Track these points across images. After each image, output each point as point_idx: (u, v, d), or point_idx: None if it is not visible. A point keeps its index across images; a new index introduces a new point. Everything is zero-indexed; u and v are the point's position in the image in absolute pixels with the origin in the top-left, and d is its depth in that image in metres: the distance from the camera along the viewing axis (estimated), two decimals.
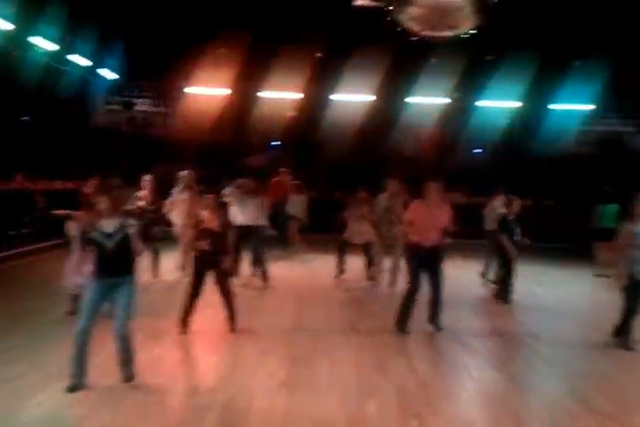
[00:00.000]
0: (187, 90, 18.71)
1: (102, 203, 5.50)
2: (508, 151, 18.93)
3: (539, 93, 18.82)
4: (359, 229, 10.64)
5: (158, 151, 17.43)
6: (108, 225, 5.43)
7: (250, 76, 17.99)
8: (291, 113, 18.89)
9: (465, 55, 17.42)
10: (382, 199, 10.32)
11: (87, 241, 5.61)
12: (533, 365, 6.83)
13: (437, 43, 16.36)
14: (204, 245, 7.16)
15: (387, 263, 10.53)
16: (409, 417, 5.08)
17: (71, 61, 17.04)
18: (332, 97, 18.74)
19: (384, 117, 18.55)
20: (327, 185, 17.52)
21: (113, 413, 4.98)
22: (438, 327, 7.72)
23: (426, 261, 7.53)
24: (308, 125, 18.28)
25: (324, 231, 12.73)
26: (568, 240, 15.17)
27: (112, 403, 5.16)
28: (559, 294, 10.87)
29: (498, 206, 10.67)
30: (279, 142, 19.30)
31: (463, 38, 15.61)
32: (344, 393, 5.59)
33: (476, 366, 6.61)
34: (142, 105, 19.78)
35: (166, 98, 19.37)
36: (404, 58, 17.25)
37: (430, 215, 7.51)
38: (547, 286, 11.43)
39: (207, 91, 18.78)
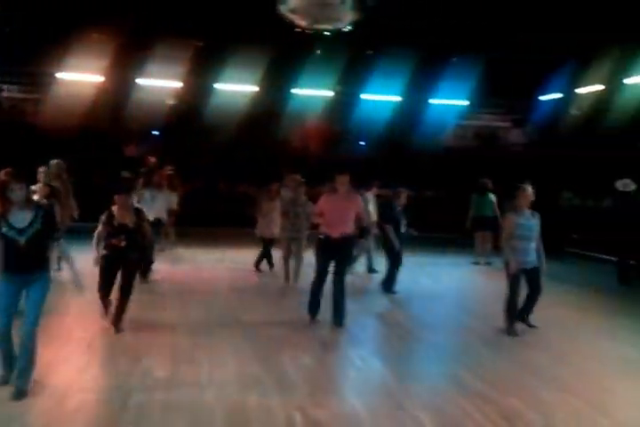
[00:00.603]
0: (59, 75, 17.73)
1: (17, 191, 5.00)
2: (391, 144, 19.26)
3: (418, 88, 19.24)
4: (269, 223, 10.51)
5: (30, 139, 16.40)
6: (22, 218, 5.03)
7: (127, 63, 17.28)
8: (171, 101, 18.34)
9: (347, 49, 17.53)
10: (286, 192, 10.22)
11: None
12: (416, 351, 6.94)
13: (320, 36, 16.38)
14: (120, 241, 6.88)
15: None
16: (292, 410, 4.98)
17: None
18: (215, 86, 18.34)
19: (268, 108, 18.37)
20: (211, 176, 17.20)
21: None
22: (339, 324, 7.57)
23: (334, 253, 7.54)
24: (188, 114, 17.79)
25: (212, 225, 12.50)
26: (452, 230, 15.63)
27: None
28: (442, 282, 11.18)
29: (370, 199, 10.80)
30: (158, 132, 18.71)
31: (344, 32, 15.71)
32: (224, 387, 5.41)
33: (359, 356, 6.59)
34: (11, 91, 18.61)
35: (37, 84, 18.29)
36: (288, 49, 17.13)
37: (340, 207, 7.57)
38: (430, 274, 11.70)
39: (82, 77, 17.87)
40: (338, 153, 18.96)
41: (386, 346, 7.24)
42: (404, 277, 9.96)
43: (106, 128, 17.52)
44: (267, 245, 10.93)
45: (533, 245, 7.41)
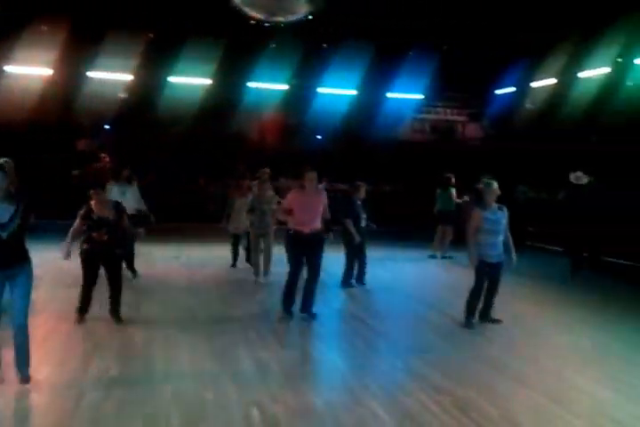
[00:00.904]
0: (7, 69, 17.23)
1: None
2: (347, 138, 19.26)
3: (375, 82, 19.26)
4: (241, 220, 10.42)
5: None
6: (3, 212, 4.97)
7: (77, 56, 16.87)
8: (123, 95, 17.97)
9: (303, 42, 17.46)
10: (254, 188, 10.12)
11: None
12: (373, 344, 6.91)
13: (275, 28, 16.27)
14: (102, 235, 6.88)
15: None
16: (248, 405, 4.92)
17: None
18: (169, 79, 18.03)
19: (223, 102, 18.16)
20: (168, 170, 16.94)
21: None
22: (312, 314, 7.71)
23: (306, 248, 7.58)
24: (141, 108, 17.47)
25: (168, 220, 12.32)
26: (409, 224, 15.73)
27: None
28: (400, 276, 11.20)
29: None
30: (110, 126, 18.33)
31: (300, 25, 15.62)
32: (180, 384, 5.33)
33: (317, 350, 6.55)
34: None
35: None
36: (243, 42, 16.95)
37: (308, 203, 7.62)
38: (389, 268, 11.71)
39: (31, 70, 17.40)
40: (294, 147, 18.90)
41: (343, 340, 7.21)
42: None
43: (56, 123, 17.10)
44: (236, 242, 10.91)
45: (501, 238, 7.43)
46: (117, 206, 7.11)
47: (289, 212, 7.67)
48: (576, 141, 15.87)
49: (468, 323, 7.53)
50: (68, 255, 6.82)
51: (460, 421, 4.76)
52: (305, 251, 7.60)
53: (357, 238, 9.48)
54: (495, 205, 7.45)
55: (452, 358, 6.41)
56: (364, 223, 9.72)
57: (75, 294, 7.26)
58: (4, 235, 4.96)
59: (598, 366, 6.27)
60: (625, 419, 4.90)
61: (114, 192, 9.41)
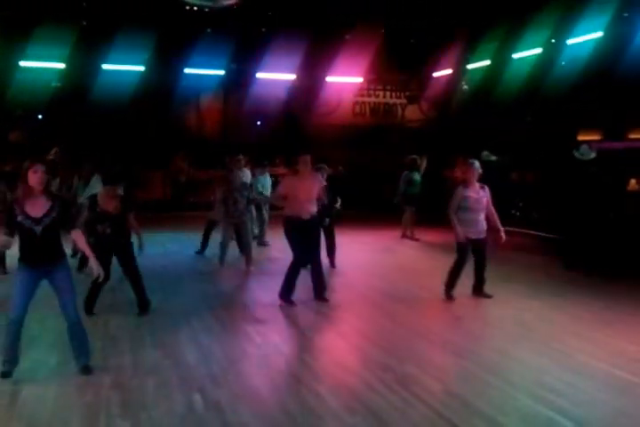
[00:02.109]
0: None
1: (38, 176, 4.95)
2: (288, 123, 19.17)
3: (313, 66, 19.17)
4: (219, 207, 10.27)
5: None
6: (38, 207, 4.96)
7: (8, 45, 16.29)
8: (56, 83, 17.45)
9: (240, 27, 17.24)
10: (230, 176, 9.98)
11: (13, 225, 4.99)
12: (316, 327, 6.93)
13: (211, 13, 16.00)
14: (105, 229, 6.86)
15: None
16: (191, 392, 4.90)
17: None
18: (102, 67, 17.57)
19: (159, 89, 17.80)
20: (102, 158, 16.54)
21: None
22: (325, 299, 7.75)
23: (307, 234, 7.57)
24: (74, 96, 16.99)
25: None
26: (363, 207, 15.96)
27: None
28: (372, 256, 11.43)
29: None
30: (42, 115, 17.78)
31: (235, 9, 15.41)
32: (119, 373, 5.27)
33: (258, 332, 6.54)
34: None
35: None
36: (178, 28, 16.63)
37: (303, 188, 7.59)
38: (362, 249, 12.00)
39: None
40: (234, 133, 18.72)
41: (284, 322, 7.19)
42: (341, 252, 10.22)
43: None
44: (210, 228, 10.92)
45: (482, 216, 7.79)
46: (125, 202, 7.04)
47: (283, 198, 7.66)
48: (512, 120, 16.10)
49: (447, 294, 7.92)
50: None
51: (402, 396, 4.83)
52: (306, 236, 7.59)
53: (325, 221, 9.41)
54: (477, 184, 7.81)
55: (393, 336, 6.49)
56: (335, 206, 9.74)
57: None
58: (38, 230, 4.92)
59: (535, 337, 6.42)
60: (560, 387, 5.05)
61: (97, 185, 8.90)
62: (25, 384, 5.01)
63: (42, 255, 5.03)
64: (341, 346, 6.28)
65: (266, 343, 6.23)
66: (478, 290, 8.03)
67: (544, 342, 6.23)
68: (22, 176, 4.98)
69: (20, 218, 4.93)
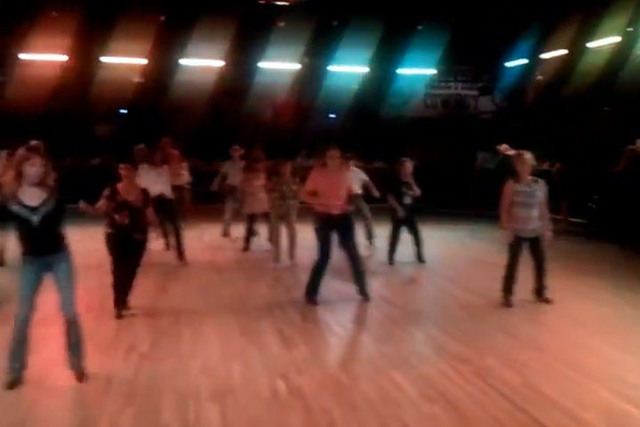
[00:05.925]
0: (22, 57, 17.31)
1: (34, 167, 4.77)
2: (361, 115, 19.23)
3: (385, 58, 19.17)
4: (255, 200, 10.46)
5: None
6: (34, 196, 4.80)
7: (90, 41, 16.91)
8: (137, 79, 18.02)
9: (312, 20, 17.41)
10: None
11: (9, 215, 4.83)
12: (392, 318, 7.01)
13: (284, 7, 16.26)
14: (123, 218, 6.64)
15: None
16: (275, 378, 5.10)
17: None
18: (181, 62, 18.04)
19: (237, 83, 18.17)
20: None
21: None
22: (367, 297, 7.57)
23: (337, 230, 7.43)
24: (156, 92, 17.52)
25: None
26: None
27: None
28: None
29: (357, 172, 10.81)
30: (126, 110, 18.40)
31: (308, 3, 15.60)
32: (207, 359, 5.52)
33: (338, 323, 6.70)
34: None
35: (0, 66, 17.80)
36: (253, 22, 16.94)
37: (334, 182, 7.40)
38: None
39: (45, 57, 17.47)
40: (308, 126, 18.91)
41: (364, 313, 7.31)
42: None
43: (73, 109, 17.18)
44: (252, 222, 10.90)
45: (535, 212, 7.19)
46: (145, 192, 6.95)
47: (312, 193, 7.44)
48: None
49: (505, 300, 7.35)
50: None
51: (481, 388, 4.91)
52: (336, 231, 7.43)
53: (401, 213, 9.45)
54: (530, 178, 7.18)
55: (471, 328, 6.54)
56: (409, 200, 9.59)
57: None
58: (36, 219, 4.77)
59: (617, 333, 6.37)
60: None
61: (150, 175, 9.21)
62: (119, 368, 5.31)
63: (42, 246, 4.87)
64: (418, 337, 6.38)
65: (346, 334, 6.39)
66: (537, 294, 7.45)
67: (626, 339, 6.17)
68: (17, 165, 4.80)
69: (15, 208, 4.76)
